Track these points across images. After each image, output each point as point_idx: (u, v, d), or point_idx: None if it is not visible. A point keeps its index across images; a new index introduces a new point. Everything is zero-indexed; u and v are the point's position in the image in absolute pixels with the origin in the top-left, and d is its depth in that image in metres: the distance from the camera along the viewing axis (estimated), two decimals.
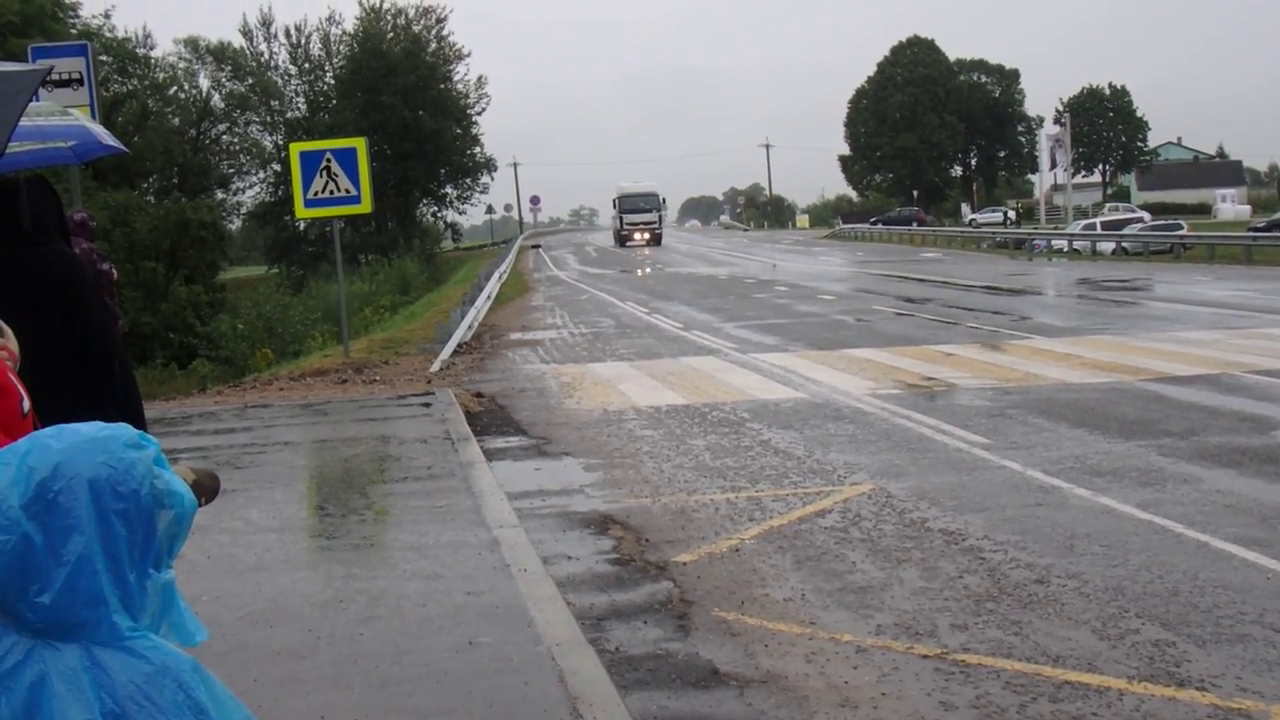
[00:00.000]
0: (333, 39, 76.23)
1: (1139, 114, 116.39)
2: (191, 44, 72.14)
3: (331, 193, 18.92)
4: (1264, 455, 10.75)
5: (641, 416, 14.10)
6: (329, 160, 18.89)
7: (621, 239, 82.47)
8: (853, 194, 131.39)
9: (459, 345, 22.02)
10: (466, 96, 78.14)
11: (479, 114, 78.85)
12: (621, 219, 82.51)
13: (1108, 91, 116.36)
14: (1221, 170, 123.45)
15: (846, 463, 11.13)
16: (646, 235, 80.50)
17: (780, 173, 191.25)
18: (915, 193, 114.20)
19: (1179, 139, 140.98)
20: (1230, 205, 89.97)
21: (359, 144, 19.57)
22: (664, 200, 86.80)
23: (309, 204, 19.21)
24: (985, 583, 7.52)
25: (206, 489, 3.42)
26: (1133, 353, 17.87)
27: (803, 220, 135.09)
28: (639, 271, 50.57)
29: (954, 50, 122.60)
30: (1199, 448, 11.16)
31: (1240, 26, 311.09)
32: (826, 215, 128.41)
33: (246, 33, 76.22)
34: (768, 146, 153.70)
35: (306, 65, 76.56)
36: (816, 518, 9.23)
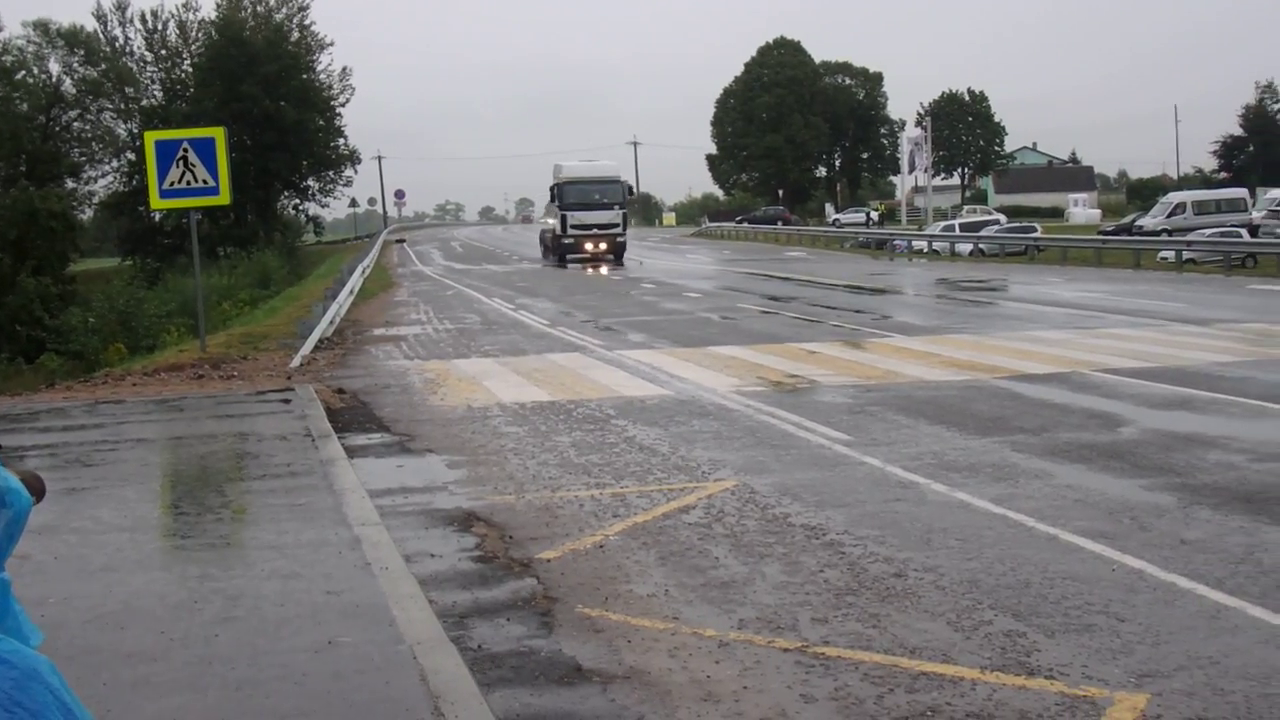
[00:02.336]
0: (191, 26, 74.49)
1: (997, 119, 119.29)
2: (41, 27, 69.95)
3: (189, 183, 18.49)
4: (1111, 451, 11.08)
5: (506, 413, 14.04)
6: (186, 150, 18.45)
7: (561, 251, 51.95)
8: (719, 193, 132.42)
9: (321, 341, 21.70)
10: (330, 87, 76.93)
11: (343, 105, 77.69)
12: (564, 219, 51.64)
13: (967, 97, 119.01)
14: (1074, 175, 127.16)
15: (711, 459, 11.21)
16: (603, 246, 51.22)
17: (648, 170, 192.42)
18: (781, 192, 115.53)
19: (1034, 144, 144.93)
20: (1082, 209, 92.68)
21: (218, 134, 19.15)
22: (630, 190, 57.89)
23: (165, 194, 18.74)
24: (845, 577, 7.63)
25: (34, 490, 3.32)
26: (989, 351, 18.30)
27: (669, 218, 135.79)
28: (505, 268, 50.38)
29: (820, 53, 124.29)
30: (1050, 444, 11.47)
31: (1091, 38, 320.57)
32: (693, 213, 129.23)
33: (100, 17, 74.13)
34: (635, 144, 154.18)
35: (163, 52, 74.67)
36: (681, 514, 9.27)
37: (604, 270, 45.68)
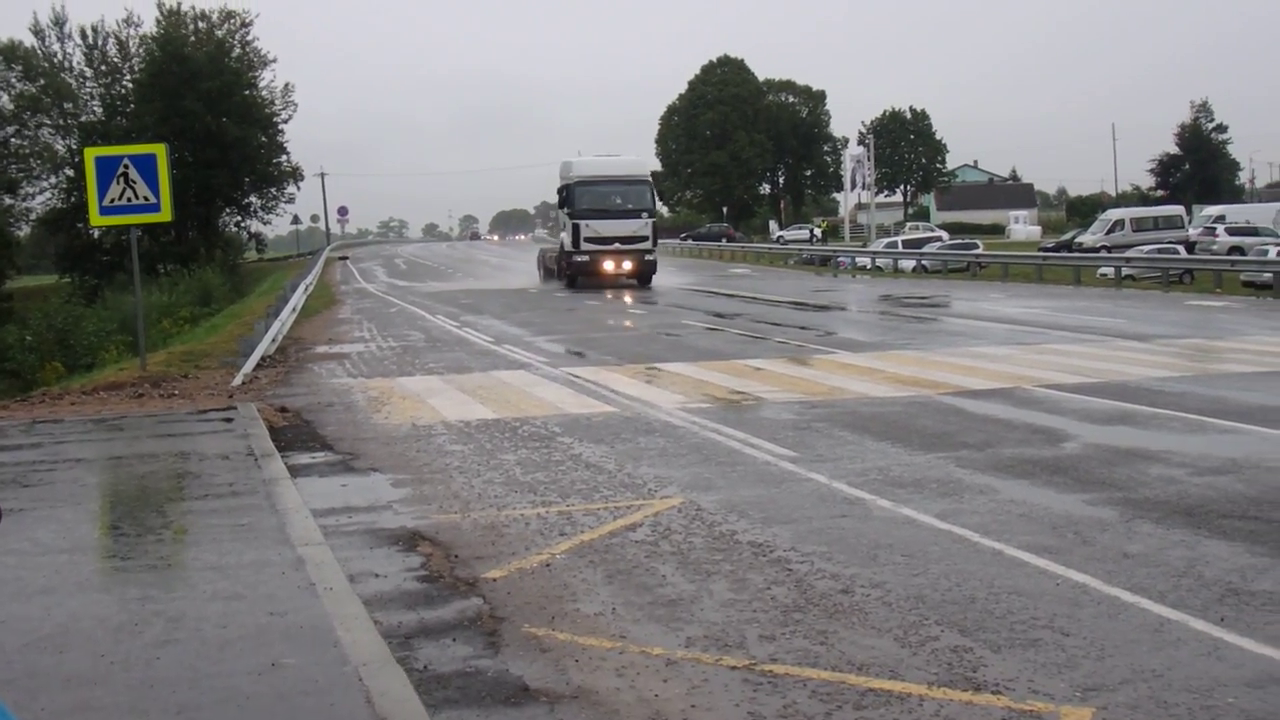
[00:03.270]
0: (131, 41, 73.80)
1: (938, 137, 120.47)
2: None
3: (129, 200, 18.28)
4: (1054, 466, 11.18)
5: (451, 431, 13.96)
6: (127, 166, 18.25)
7: (572, 271, 42.43)
8: (664, 210, 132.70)
9: (263, 359, 21.51)
10: (272, 104, 76.47)
11: (285, 122, 77.24)
12: (577, 230, 41.83)
13: (909, 115, 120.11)
14: (1015, 192, 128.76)
15: (657, 476, 11.19)
16: (627, 265, 41.92)
17: None
18: (725, 209, 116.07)
19: (975, 162, 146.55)
20: (1022, 226, 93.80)
21: (159, 150, 18.94)
22: (655, 195, 46.18)
23: (105, 211, 18.51)
24: (792, 593, 7.63)
25: None
26: (932, 367, 18.42)
27: None
28: (449, 285, 50.21)
29: (763, 71, 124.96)
30: (994, 459, 11.55)
31: (1033, 58, 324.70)
32: None
33: (38, 32, 73.36)
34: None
35: (103, 68, 73.96)
36: (627, 531, 9.25)
37: (547, 288, 45.47)
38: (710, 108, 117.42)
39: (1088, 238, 58.12)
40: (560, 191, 43.97)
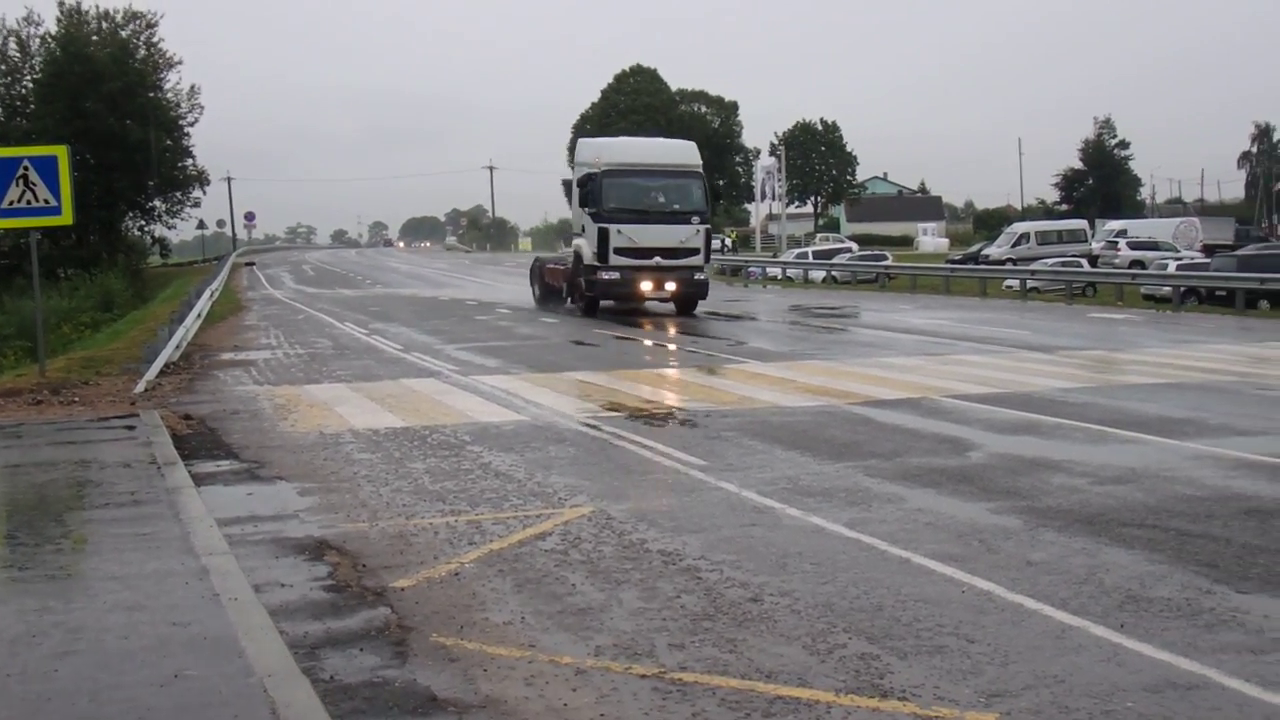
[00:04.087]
0: (32, 41, 72.24)
1: (849, 149, 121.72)
2: None
3: (29, 203, 17.88)
4: (960, 475, 11.33)
5: (359, 439, 13.82)
6: (27, 168, 17.84)
7: (596, 292, 32.35)
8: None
9: (166, 365, 21.14)
10: (178, 106, 75.22)
11: (191, 125, 75.96)
12: (604, 236, 31.51)
13: (820, 126, 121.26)
14: (923, 205, 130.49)
15: (567, 485, 11.17)
16: (671, 287, 32.25)
17: (504, 195, 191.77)
18: None
19: (885, 174, 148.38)
20: (931, 238, 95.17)
21: (60, 152, 18.55)
22: (715, 193, 37.76)
23: (3, 214, 18.08)
24: (702, 602, 7.65)
25: None
26: (842, 377, 18.58)
27: (526, 242, 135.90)
28: (358, 292, 49.77)
29: (676, 80, 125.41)
30: (902, 468, 11.68)
31: (944, 74, 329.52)
32: (550, 238, 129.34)
33: None
34: (491, 168, 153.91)
35: (2, 67, 72.32)
36: (537, 540, 9.22)
37: (457, 295, 45.10)
38: (623, 117, 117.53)
39: (994, 250, 59.08)
40: (579, 183, 32.63)
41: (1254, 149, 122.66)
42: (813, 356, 21.84)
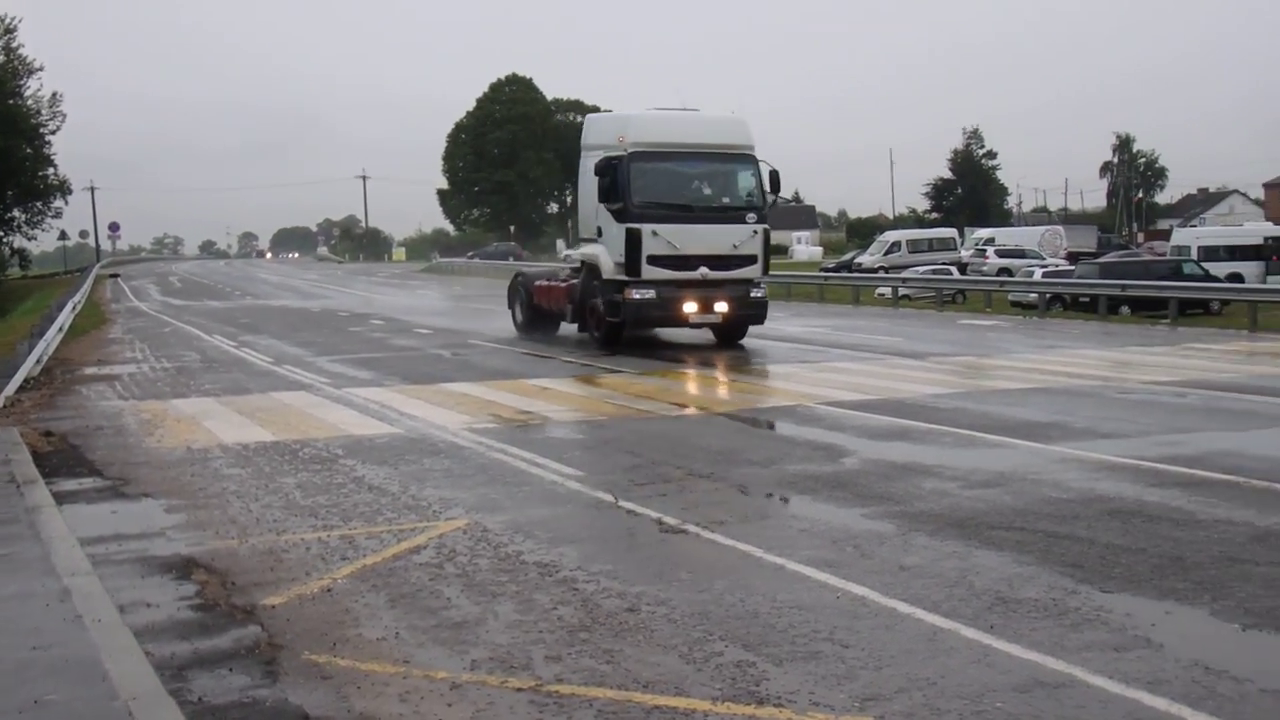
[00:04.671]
0: None
1: None
2: None
3: None
4: (835, 482, 11.45)
5: (229, 454, 13.54)
6: None
7: (621, 315, 24.28)
8: (450, 228, 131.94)
9: (26, 381, 20.51)
10: (39, 113, 73.17)
11: (53, 133, 73.96)
12: (634, 240, 23.73)
13: None
14: (798, 214, 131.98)
15: (442, 498, 11.05)
16: (721, 307, 24.31)
17: (377, 205, 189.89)
18: (513, 228, 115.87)
19: None
20: (805, 246, 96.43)
21: None
22: (775, 180, 25.30)
23: None
24: (579, 613, 7.62)
25: None
26: (717, 386, 18.68)
27: (399, 253, 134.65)
28: (227, 304, 48.87)
29: (551, 90, 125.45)
30: (778, 475, 11.77)
31: (817, 86, 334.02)
32: (424, 248, 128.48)
33: None
34: (364, 178, 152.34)
35: None
36: (411, 554, 9.11)
37: (329, 307, 44.45)
38: (499, 126, 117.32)
39: (866, 259, 60.04)
40: (596, 172, 24.23)
41: (1115, 159, 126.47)
42: (687, 365, 21.92)
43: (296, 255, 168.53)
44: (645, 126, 24.71)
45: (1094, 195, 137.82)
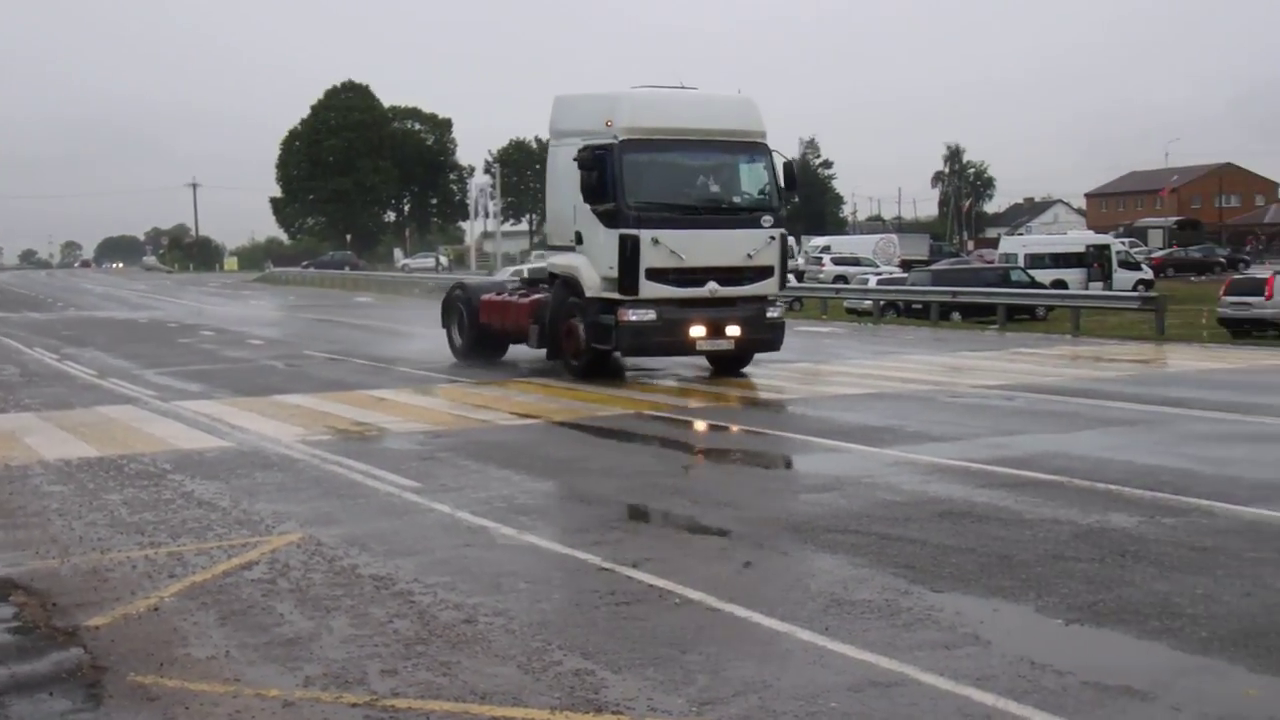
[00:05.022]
0: None
1: None
2: None
3: None
4: (673, 488, 11.51)
5: (50, 471, 13.04)
6: None
7: (612, 343, 19.92)
8: (284, 237, 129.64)
9: None
10: None
11: None
12: (632, 250, 19.41)
13: (535, 145, 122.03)
14: None
15: (275, 512, 10.81)
16: (733, 331, 20.05)
17: (209, 214, 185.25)
18: (349, 237, 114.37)
19: None
20: None
21: None
22: (791, 174, 21.92)
23: None
24: (415, 626, 7.51)
25: None
26: (559, 394, 18.65)
27: (231, 263, 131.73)
28: (49, 316, 47.18)
29: (389, 97, 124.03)
30: (617, 483, 11.77)
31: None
32: (257, 258, 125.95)
33: None
34: (195, 185, 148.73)
35: None
36: (243, 570, 8.88)
37: (158, 318, 43.16)
38: (334, 133, 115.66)
39: None
40: (582, 165, 19.83)
41: (946, 169, 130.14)
42: (528, 375, 21.86)
43: (120, 265, 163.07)
44: (639, 108, 20.25)
45: (926, 204, 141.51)
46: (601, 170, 19.53)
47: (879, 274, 46.23)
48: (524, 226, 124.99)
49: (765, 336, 20.63)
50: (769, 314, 20.53)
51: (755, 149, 20.76)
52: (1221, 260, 69.89)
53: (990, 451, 13.06)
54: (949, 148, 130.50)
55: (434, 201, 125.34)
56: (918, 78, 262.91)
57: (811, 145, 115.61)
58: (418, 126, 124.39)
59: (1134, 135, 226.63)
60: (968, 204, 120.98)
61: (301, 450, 13.95)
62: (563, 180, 20.90)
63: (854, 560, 8.84)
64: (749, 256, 20.10)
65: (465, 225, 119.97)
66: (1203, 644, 6.94)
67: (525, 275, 27.92)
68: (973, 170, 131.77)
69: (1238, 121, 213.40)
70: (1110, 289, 40.64)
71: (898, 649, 6.91)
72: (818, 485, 11.54)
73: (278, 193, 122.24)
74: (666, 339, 19.81)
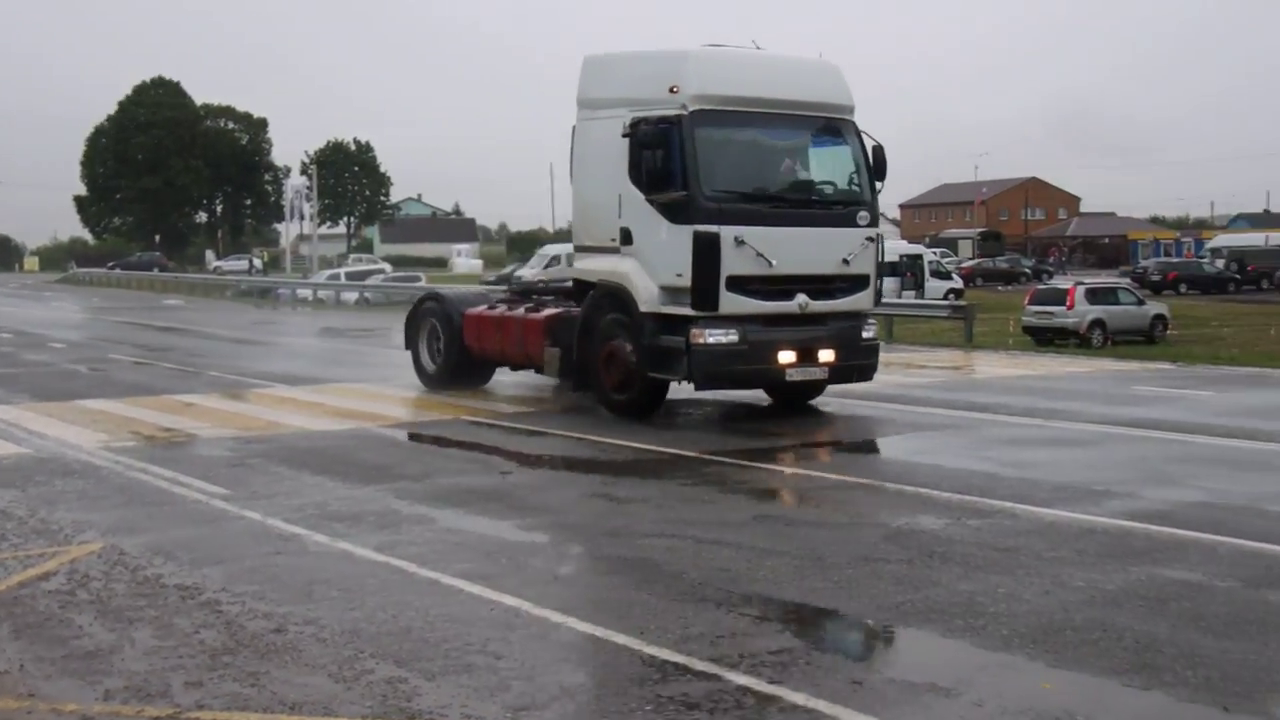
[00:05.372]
0: None
1: (382, 169, 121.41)
2: None
3: None
4: (489, 494, 11.43)
5: None
6: None
7: (660, 372, 15.65)
8: (89, 236, 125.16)
9: None
10: None
11: None
12: (711, 252, 14.88)
13: (353, 146, 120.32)
14: (458, 226, 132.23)
15: (75, 521, 10.40)
16: (826, 356, 15.90)
17: (7, 212, 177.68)
18: (158, 237, 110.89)
19: (420, 195, 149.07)
20: (465, 259, 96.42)
21: None
22: (881, 161, 16.48)
23: None
24: (222, 636, 7.31)
25: None
26: (374, 399, 18.40)
27: (32, 263, 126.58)
28: None
29: (201, 95, 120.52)
30: (433, 489, 11.65)
31: (472, 93, 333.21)
32: (60, 258, 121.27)
33: None
34: None
35: None
36: (39, 581, 8.52)
37: (45, 330, 41.25)
38: (143, 131, 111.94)
39: (526, 272, 60.36)
40: (641, 141, 15.48)
41: None
42: (344, 379, 21.51)
43: None
44: (714, 71, 15.90)
45: None
46: (666, 149, 15.22)
47: None
48: (341, 229, 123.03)
49: (861, 362, 16.60)
50: (864, 334, 16.54)
51: (844, 127, 16.59)
52: (1027, 270, 72.60)
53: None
54: None
55: (248, 202, 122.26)
56: None
57: None
58: (232, 125, 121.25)
59: (944, 150, 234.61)
60: None
61: (105, 457, 13.46)
62: (599, 163, 16.50)
63: (671, 563, 8.89)
64: (845, 263, 16.05)
65: (280, 227, 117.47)
66: (1004, 641, 7.17)
67: (515, 284, 23.82)
68: None
69: (1046, 136, 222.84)
70: (923, 298, 41.76)
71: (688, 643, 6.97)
72: (639, 492, 11.58)
73: (83, 191, 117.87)
74: (752, 366, 15.61)
